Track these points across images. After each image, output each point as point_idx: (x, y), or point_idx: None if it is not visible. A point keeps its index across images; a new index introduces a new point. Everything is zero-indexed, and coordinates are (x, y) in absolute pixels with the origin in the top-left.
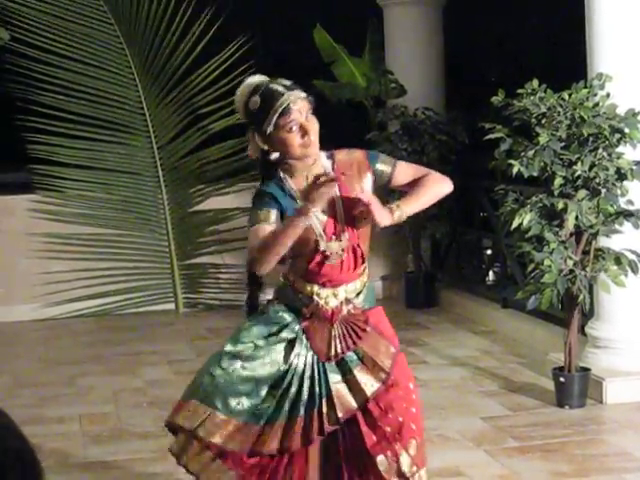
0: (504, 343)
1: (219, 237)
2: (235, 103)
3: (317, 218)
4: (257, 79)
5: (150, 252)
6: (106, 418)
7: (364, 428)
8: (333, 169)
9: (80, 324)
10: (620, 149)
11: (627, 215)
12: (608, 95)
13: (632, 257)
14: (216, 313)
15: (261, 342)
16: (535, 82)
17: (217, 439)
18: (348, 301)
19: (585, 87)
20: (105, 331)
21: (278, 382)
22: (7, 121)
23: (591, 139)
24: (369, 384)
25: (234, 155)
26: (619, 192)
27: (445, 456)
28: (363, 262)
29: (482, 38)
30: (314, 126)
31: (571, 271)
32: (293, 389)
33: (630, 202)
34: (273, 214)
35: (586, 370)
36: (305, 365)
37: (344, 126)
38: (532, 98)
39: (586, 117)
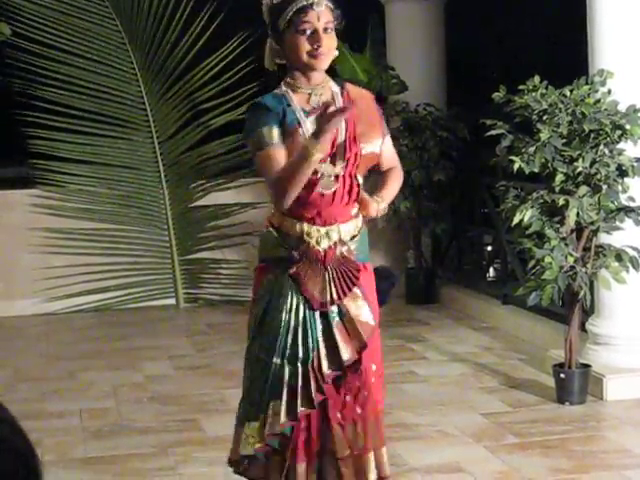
0: (504, 339)
1: (220, 232)
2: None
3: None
4: None
5: (151, 247)
6: (106, 413)
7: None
8: (342, 97)
9: (80, 319)
10: (621, 145)
11: (628, 211)
12: (609, 92)
13: (633, 254)
14: (216, 309)
15: (280, 314)
16: (536, 78)
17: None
18: (342, 242)
19: (586, 83)
20: (105, 326)
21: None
22: (8, 116)
23: (592, 135)
24: (344, 350)
25: (235, 151)
26: (620, 189)
27: (445, 452)
28: (357, 198)
29: (484, 34)
30: (329, 40)
31: (572, 268)
32: (290, 351)
33: (631, 199)
34: (276, 132)
35: (586, 367)
36: (294, 318)
37: None
38: (533, 94)
39: (587, 113)
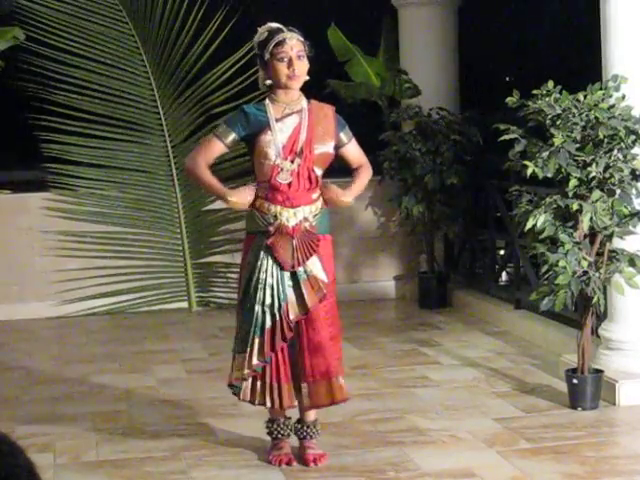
0: (517, 344)
1: (231, 236)
2: (254, 40)
3: (278, 138)
4: (274, 24)
5: (163, 250)
6: (118, 416)
7: (317, 324)
8: (308, 110)
9: (94, 322)
10: (635, 150)
11: None
12: (623, 97)
13: None
14: (228, 312)
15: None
16: (550, 83)
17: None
18: (306, 219)
19: (600, 89)
20: (118, 329)
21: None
22: (22, 120)
23: (606, 140)
24: (309, 299)
25: (246, 155)
26: (634, 193)
27: (457, 457)
28: (317, 186)
29: (497, 38)
30: (302, 65)
31: (585, 272)
32: (268, 300)
33: None
34: (231, 137)
35: (599, 372)
36: (270, 277)
37: (358, 126)
38: (547, 99)
39: (601, 119)
